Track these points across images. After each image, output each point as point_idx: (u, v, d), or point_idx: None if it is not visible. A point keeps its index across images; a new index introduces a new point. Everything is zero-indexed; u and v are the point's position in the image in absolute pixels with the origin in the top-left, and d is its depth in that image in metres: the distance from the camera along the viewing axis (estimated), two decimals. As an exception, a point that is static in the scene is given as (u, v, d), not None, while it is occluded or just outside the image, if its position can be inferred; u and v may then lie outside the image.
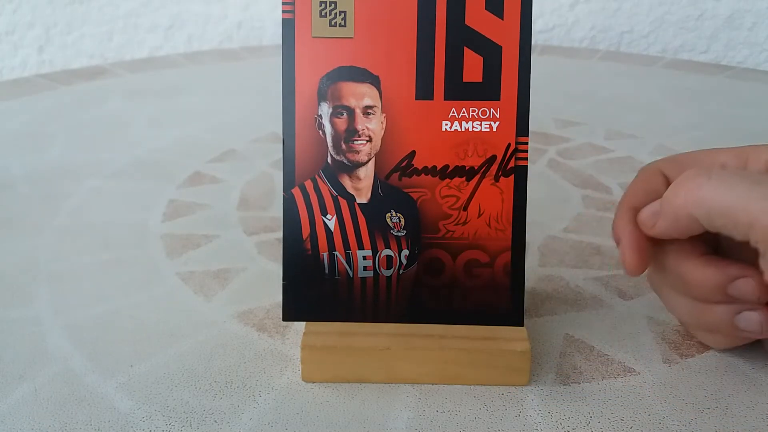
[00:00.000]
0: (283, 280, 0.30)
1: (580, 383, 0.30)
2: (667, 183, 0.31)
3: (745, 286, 0.28)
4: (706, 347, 0.32)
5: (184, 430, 0.27)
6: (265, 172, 0.54)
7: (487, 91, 0.29)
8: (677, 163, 0.32)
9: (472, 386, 0.30)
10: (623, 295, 0.37)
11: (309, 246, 0.30)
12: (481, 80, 0.29)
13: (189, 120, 0.67)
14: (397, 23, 0.29)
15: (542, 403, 0.29)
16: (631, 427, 0.28)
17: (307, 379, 0.30)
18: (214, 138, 0.62)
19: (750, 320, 0.29)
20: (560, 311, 0.35)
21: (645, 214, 0.30)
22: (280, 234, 0.42)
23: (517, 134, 0.29)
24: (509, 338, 0.30)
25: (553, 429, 0.27)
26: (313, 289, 0.30)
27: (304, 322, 0.31)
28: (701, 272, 0.29)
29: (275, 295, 0.36)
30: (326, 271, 0.30)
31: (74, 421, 0.28)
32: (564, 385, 0.30)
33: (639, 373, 0.31)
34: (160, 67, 0.88)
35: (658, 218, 0.29)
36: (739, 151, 0.31)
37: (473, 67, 0.29)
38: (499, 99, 0.29)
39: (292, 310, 0.31)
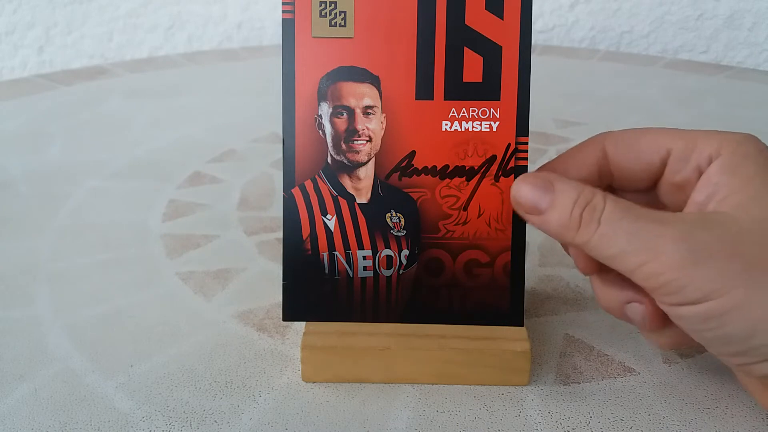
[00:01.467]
0: (283, 280, 0.30)
1: (580, 383, 0.30)
2: (605, 160, 0.29)
3: (637, 311, 0.28)
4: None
5: (184, 430, 0.27)
6: (265, 172, 0.54)
7: (487, 91, 0.29)
8: (622, 143, 0.30)
9: (472, 386, 0.30)
10: (623, 295, 0.37)
11: (309, 246, 0.30)
12: (481, 80, 0.29)
13: (189, 120, 0.67)
14: (397, 23, 0.29)
15: (542, 403, 0.29)
16: (631, 427, 0.28)
17: (307, 379, 0.30)
18: (214, 138, 0.62)
19: (635, 312, 0.28)
20: (560, 311, 0.35)
21: (529, 196, 0.27)
22: (280, 234, 0.42)
23: (517, 134, 0.29)
24: (509, 338, 0.30)
25: (553, 429, 0.27)
26: (313, 289, 0.30)
27: (304, 322, 0.31)
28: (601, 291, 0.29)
29: (275, 295, 0.36)
30: (326, 271, 0.30)
31: (74, 421, 0.28)
32: (564, 385, 0.30)
33: (639, 373, 0.31)
34: (160, 67, 0.88)
35: (546, 212, 0.27)
36: (688, 137, 0.29)
37: (473, 67, 0.29)
38: (499, 99, 0.29)
39: (292, 310, 0.31)
